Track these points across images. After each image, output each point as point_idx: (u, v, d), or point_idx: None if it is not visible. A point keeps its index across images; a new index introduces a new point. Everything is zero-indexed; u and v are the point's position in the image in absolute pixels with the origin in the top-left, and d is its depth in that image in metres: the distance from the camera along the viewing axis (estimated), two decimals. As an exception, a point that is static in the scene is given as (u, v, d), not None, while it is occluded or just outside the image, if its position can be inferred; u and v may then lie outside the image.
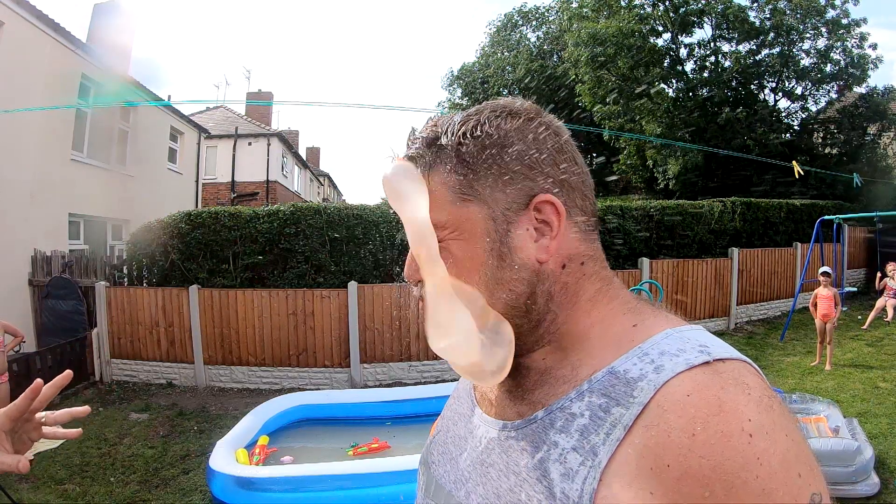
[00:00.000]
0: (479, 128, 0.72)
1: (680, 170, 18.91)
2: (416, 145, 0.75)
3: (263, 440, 5.86)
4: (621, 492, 0.56)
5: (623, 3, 20.48)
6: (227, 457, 5.03)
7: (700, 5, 19.65)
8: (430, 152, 0.73)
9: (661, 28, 20.57)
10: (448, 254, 0.71)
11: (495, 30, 31.59)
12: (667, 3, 19.95)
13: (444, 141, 0.73)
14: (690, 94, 20.45)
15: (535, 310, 0.71)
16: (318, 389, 8.31)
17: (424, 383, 8.31)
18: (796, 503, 0.52)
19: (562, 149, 0.73)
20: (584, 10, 21.43)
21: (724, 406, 0.55)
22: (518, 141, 0.71)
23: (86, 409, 1.02)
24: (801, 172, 9.19)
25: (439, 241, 0.71)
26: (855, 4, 19.15)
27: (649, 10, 20.39)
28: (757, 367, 0.63)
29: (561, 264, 0.72)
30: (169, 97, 15.98)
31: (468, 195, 0.70)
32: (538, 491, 0.63)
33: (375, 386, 8.64)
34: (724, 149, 16.47)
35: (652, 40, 20.27)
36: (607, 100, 20.32)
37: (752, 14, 19.55)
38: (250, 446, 5.65)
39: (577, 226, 0.73)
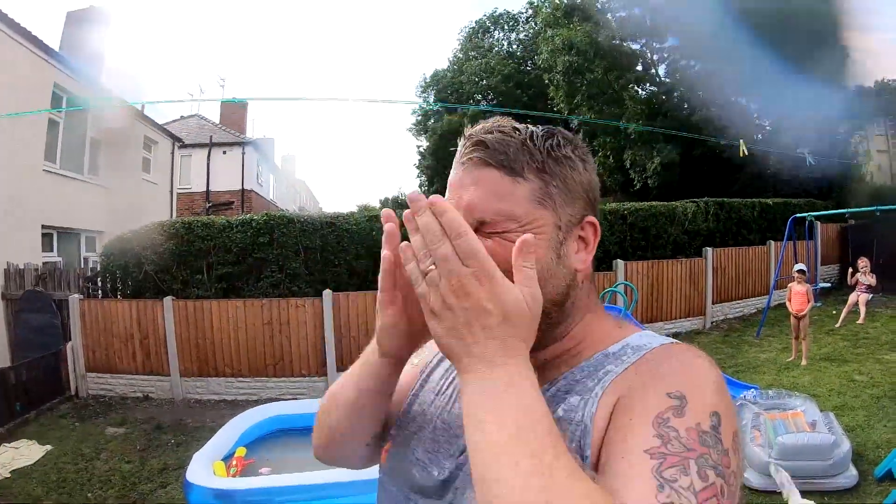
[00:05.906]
0: (560, 148, 0.83)
1: (655, 168, 19.04)
2: (509, 147, 0.81)
3: (241, 452, 5.80)
4: (606, 409, 0.73)
5: (598, 7, 20.64)
6: (205, 470, 4.97)
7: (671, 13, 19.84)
8: (521, 155, 0.81)
9: (633, 34, 20.77)
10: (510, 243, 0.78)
11: (466, 36, 31.61)
12: (640, 10, 20.13)
13: (531, 146, 0.82)
14: (664, 96, 20.63)
15: (564, 309, 0.85)
16: (296, 399, 8.25)
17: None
18: (704, 410, 0.68)
19: (598, 187, 0.89)
20: (557, 13, 21.59)
21: (694, 362, 0.75)
22: (583, 170, 0.85)
23: None
24: (746, 152, 9.73)
25: (508, 232, 0.79)
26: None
27: (623, 14, 20.58)
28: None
29: (585, 277, 0.87)
30: (143, 107, 15.77)
31: (545, 202, 0.81)
32: None
33: (354, 394, 8.54)
34: (698, 150, 16.70)
35: (625, 43, 20.46)
36: (582, 106, 20.49)
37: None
38: (227, 458, 5.59)
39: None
